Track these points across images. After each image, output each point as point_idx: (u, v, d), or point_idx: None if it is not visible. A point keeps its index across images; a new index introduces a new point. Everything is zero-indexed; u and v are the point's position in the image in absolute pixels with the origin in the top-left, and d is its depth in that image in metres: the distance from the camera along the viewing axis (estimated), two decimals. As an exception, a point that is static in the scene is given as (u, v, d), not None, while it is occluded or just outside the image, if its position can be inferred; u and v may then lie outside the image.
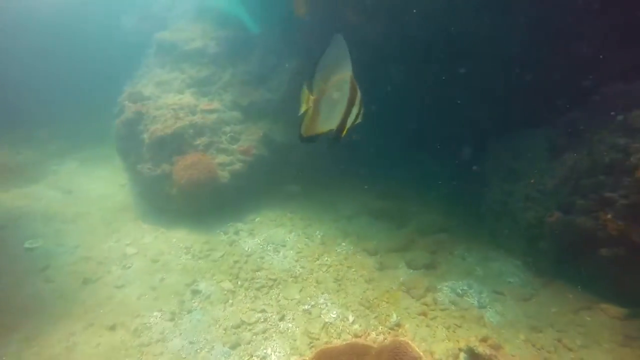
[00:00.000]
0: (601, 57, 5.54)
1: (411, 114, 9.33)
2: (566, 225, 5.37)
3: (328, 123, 2.65)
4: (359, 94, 2.65)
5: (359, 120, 2.73)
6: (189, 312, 5.49)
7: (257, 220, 7.84)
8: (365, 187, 9.97)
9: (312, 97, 2.57)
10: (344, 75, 2.57)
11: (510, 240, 6.82)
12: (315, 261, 6.44)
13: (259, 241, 7.05)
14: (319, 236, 7.36)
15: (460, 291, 5.82)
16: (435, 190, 9.81)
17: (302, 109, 2.60)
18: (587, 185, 5.23)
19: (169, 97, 7.88)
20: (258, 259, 6.53)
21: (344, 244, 7.26)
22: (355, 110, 2.66)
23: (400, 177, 10.19)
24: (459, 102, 7.66)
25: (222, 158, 7.72)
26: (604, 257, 4.91)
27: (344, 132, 2.68)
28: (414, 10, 6.56)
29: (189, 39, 8.88)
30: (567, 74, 6.04)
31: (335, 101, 2.61)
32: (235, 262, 6.46)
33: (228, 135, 8.05)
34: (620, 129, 4.92)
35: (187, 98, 8.15)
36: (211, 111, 8.13)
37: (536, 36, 6.05)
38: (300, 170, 9.40)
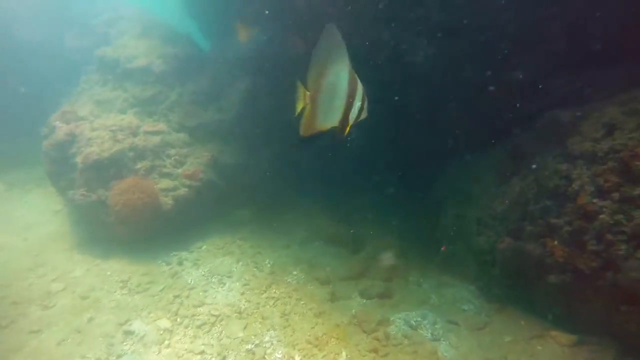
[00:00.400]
0: (540, 85, 5.65)
1: (365, 138, 9.23)
2: (516, 251, 5.30)
3: (328, 119, 2.43)
4: (359, 85, 2.41)
5: (364, 116, 2.50)
6: (118, 357, 4.89)
7: (203, 248, 7.33)
8: (320, 211, 9.72)
9: (308, 93, 2.35)
10: (341, 66, 2.33)
11: (464, 266, 6.72)
12: (262, 294, 6.01)
13: (203, 272, 6.54)
14: (268, 265, 6.95)
15: (414, 322, 5.58)
16: (392, 214, 9.70)
17: (299, 108, 2.39)
18: (534, 211, 5.20)
19: (109, 118, 7.32)
20: (201, 293, 6.02)
21: (295, 272, 6.90)
22: (357, 104, 2.43)
23: (357, 201, 10.02)
24: (410, 126, 7.63)
25: (165, 183, 7.20)
26: (552, 284, 4.85)
27: (348, 129, 2.46)
28: (367, 43, 6.49)
29: (133, 56, 8.39)
30: (511, 98, 6.12)
31: (333, 95, 2.38)
32: (176, 296, 5.91)
33: (173, 158, 7.56)
34: (562, 154, 4.94)
35: (130, 118, 7.61)
36: (155, 133, 7.63)
37: (481, 61, 6.12)
38: (253, 195, 9.01)
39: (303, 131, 2.44)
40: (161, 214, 6.98)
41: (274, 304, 5.79)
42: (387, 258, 7.90)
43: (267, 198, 9.55)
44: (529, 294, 5.50)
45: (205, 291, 6.05)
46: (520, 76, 5.70)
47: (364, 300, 6.17)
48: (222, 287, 6.16)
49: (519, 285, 5.64)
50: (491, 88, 5.92)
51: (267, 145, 9.47)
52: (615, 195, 4.10)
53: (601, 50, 5.21)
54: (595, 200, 4.30)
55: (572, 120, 5.04)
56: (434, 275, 7.09)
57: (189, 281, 6.30)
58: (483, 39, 5.71)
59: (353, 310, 5.82)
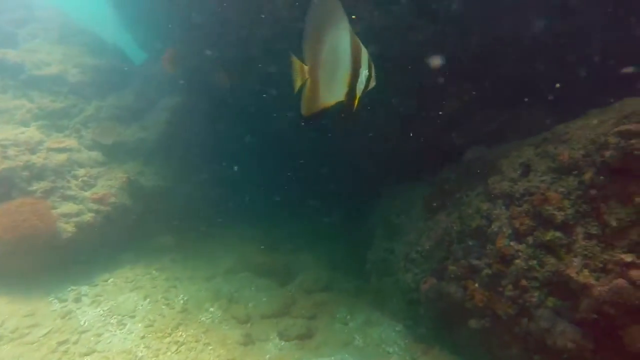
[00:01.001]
0: (466, 121, 5.58)
1: (298, 165, 8.90)
2: (438, 293, 5.05)
3: (333, 94, 2.07)
4: (363, 50, 2.04)
5: (372, 84, 2.13)
6: None
7: (109, 281, 6.50)
8: (252, 238, 9.16)
9: (306, 67, 1.98)
10: (340, 30, 1.93)
11: (392, 302, 6.41)
12: (166, 337, 5.31)
13: (102, 311, 5.73)
14: (181, 301, 6.26)
15: (333, 369, 5.14)
16: (326, 243, 9.34)
17: (297, 85, 2.02)
18: (457, 250, 5.00)
19: (3, 130, 6.40)
20: (93, 338, 5.21)
21: (212, 309, 6.26)
22: (364, 72, 2.06)
23: (291, 228, 9.58)
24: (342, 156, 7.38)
25: (68, 207, 6.36)
26: (473, 328, 4.61)
27: (357, 102, 2.10)
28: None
29: (43, 63, 7.54)
30: (438, 132, 6.02)
31: (335, 65, 2.01)
32: (61, 343, 5.07)
33: (80, 179, 6.75)
34: (483, 193, 4.81)
35: (31, 132, 6.73)
36: (61, 150, 6.79)
37: (409, 94, 6.00)
38: (178, 221, 8.30)
39: (305, 110, 2.08)
40: (59, 242, 6.11)
41: (177, 350, 5.12)
42: (316, 291, 7.47)
43: (194, 224, 8.87)
44: (454, 336, 5.25)
45: (99, 335, 5.25)
46: (447, 110, 5.60)
47: (282, 343, 5.65)
48: (120, 330, 5.39)
49: (444, 327, 5.38)
50: (418, 121, 5.78)
51: (196, 169, 8.86)
52: (530, 239, 3.96)
53: (522, 90, 5.23)
54: (512, 244, 4.14)
55: (492, 158, 4.95)
56: (363, 311, 6.73)
57: (82, 322, 5.47)
58: (411, 72, 5.57)
59: (267, 356, 5.28)
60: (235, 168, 8.77)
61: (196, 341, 5.28)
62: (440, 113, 5.55)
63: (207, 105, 8.75)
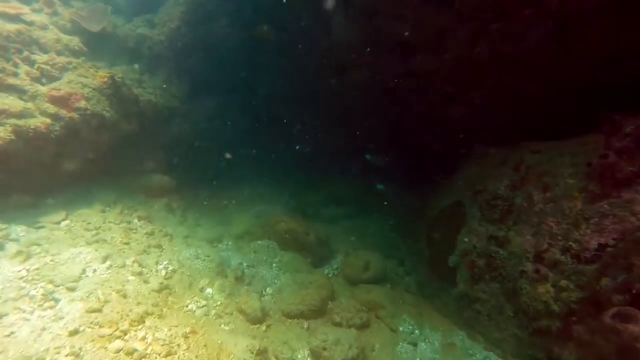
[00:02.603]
0: None
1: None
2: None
3: None
4: None
5: None
6: None
7: (62, 224, 4.11)
8: (276, 197, 6.70)
9: None
10: None
11: (496, 323, 3.83)
12: (113, 340, 2.87)
13: (25, 271, 3.34)
14: (163, 272, 3.83)
15: None
16: (375, 217, 6.77)
17: None
18: None
19: None
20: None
21: (209, 290, 3.89)
22: None
23: (331, 191, 7.01)
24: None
25: (6, 101, 3.93)
26: None
27: None
28: None
29: None
30: None
31: None
32: None
33: (37, 67, 4.28)
34: None
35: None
36: (13, 18, 4.33)
37: None
38: (184, 154, 5.88)
39: None
40: (-15, 152, 3.71)
41: (129, 369, 2.67)
42: (364, 282, 4.96)
43: (202, 163, 6.44)
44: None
45: (-1, 316, 2.86)
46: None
47: (318, 374, 3.17)
48: (41, 310, 2.99)
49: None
50: None
51: (215, 89, 6.33)
52: None
53: None
54: None
55: None
56: (439, 327, 4.20)
57: (-14, 290, 3.08)
58: None
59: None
60: (267, 94, 6.19)
61: (167, 355, 2.82)
62: None
63: (238, 3, 6.11)
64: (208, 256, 4.35)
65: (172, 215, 5.22)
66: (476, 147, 5.23)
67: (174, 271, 3.88)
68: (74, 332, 2.80)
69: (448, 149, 5.59)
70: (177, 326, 3.12)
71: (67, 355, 2.59)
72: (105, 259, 3.67)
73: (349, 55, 5.34)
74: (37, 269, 3.34)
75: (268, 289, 4.30)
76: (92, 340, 2.75)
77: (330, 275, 5.14)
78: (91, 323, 2.90)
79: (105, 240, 3.96)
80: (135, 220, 4.62)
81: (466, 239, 4.26)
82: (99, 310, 3.04)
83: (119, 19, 5.65)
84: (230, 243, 5.10)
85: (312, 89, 6.61)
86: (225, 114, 6.54)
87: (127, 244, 3.99)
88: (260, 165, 7.54)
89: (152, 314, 3.18)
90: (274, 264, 4.87)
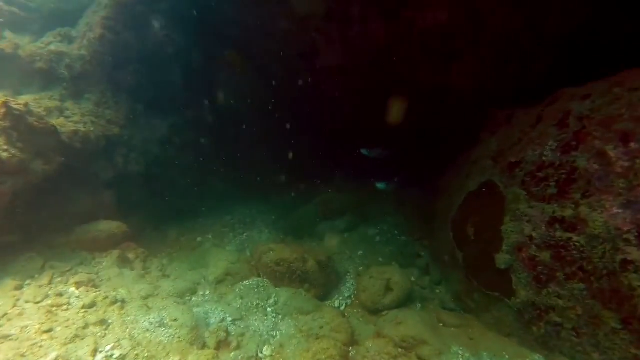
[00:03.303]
0: None
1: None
2: None
3: None
4: None
5: None
6: None
7: None
8: (259, 220, 5.52)
9: None
10: None
11: (596, 339, 2.68)
12: None
13: None
14: (102, 357, 2.58)
15: None
16: (384, 220, 5.62)
17: None
18: None
19: None
20: None
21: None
22: None
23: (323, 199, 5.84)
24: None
25: None
26: None
27: None
28: None
29: None
30: None
31: None
32: None
33: None
34: None
35: None
36: None
37: None
38: (128, 191, 4.67)
39: None
40: None
41: None
42: (388, 307, 3.79)
43: (164, 196, 5.23)
44: None
45: None
46: None
47: None
48: None
49: None
50: None
51: (162, 105, 5.17)
52: None
53: None
54: None
55: None
56: (505, 350, 3.04)
57: None
58: None
59: None
60: (228, 104, 5.05)
61: None
62: None
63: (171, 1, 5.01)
64: (176, 320, 3.11)
65: (129, 270, 3.96)
66: (493, 113, 4.17)
67: (123, 358, 2.62)
68: None
69: (457, 123, 4.52)
70: None
71: None
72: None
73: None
74: None
75: (265, 349, 3.07)
76: None
77: (343, 307, 3.95)
78: None
79: (9, 337, 2.68)
80: (72, 289, 3.35)
81: (515, 229, 3.13)
82: None
83: (23, 38, 4.46)
84: (208, 292, 3.87)
85: (278, 90, 5.50)
86: (182, 134, 5.35)
87: (49, 331, 2.72)
88: (235, 187, 6.35)
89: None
90: (268, 309, 3.65)
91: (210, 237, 5.42)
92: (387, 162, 5.22)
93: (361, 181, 6.33)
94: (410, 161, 5.46)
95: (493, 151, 3.85)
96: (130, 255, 4.14)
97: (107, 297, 3.21)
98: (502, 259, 3.19)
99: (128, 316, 3.09)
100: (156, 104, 5.09)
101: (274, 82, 5.21)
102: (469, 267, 3.64)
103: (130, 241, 4.36)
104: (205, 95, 5.64)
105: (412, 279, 4.37)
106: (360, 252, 5.00)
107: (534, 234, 2.96)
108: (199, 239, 5.33)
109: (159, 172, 5.15)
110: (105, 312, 3.06)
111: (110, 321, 2.96)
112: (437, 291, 4.25)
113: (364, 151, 5.06)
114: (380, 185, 4.94)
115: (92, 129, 4.19)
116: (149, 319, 3.08)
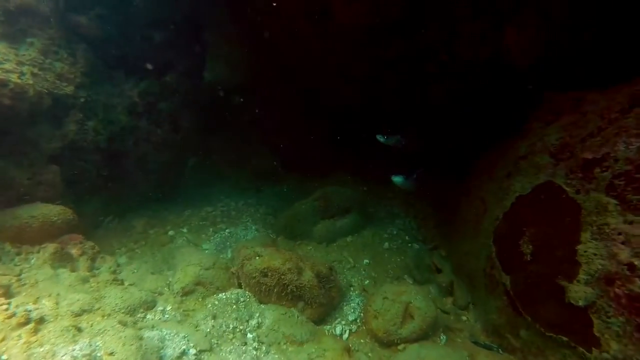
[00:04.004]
0: None
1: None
2: None
3: None
4: None
5: None
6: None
7: None
8: (244, 212, 4.55)
9: None
10: None
11: None
12: None
13: None
14: None
15: None
16: (392, 221, 4.70)
17: None
18: None
19: None
20: None
21: None
22: None
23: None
24: None
25: None
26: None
27: None
28: None
29: None
30: None
31: None
32: None
33: None
34: None
35: None
36: None
37: None
38: (81, 167, 3.63)
39: None
40: None
41: None
42: (406, 339, 2.86)
43: (132, 177, 4.21)
44: None
45: None
46: None
47: None
48: None
49: None
50: None
51: (135, 64, 4.14)
52: None
53: None
54: None
55: None
56: None
57: None
58: None
59: None
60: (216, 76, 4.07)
61: None
62: None
63: None
64: (113, 354, 2.12)
65: (67, 271, 2.95)
66: (552, 96, 3.23)
67: None
68: None
69: (497, 108, 3.58)
70: None
71: None
72: None
73: None
74: None
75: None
76: None
77: (347, 336, 3.00)
78: None
79: None
80: (-24, 298, 2.34)
81: (600, 251, 2.20)
82: None
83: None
84: (169, 307, 2.88)
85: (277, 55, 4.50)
86: (157, 103, 4.31)
87: None
88: (220, 172, 5.36)
89: None
90: (249, 335, 2.69)
91: (185, 230, 4.43)
92: (406, 152, 4.27)
93: (369, 173, 5.39)
94: (433, 152, 4.52)
95: (552, 145, 2.92)
96: (74, 251, 3.13)
97: (14, 315, 2.20)
98: (579, 292, 2.26)
99: (41, 345, 2.09)
100: (127, 63, 4.05)
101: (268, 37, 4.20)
102: (520, 295, 2.71)
103: (78, 232, 3.34)
104: (190, 57, 4.62)
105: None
106: (365, 261, 4.07)
107: (636, 263, 2.03)
108: (170, 232, 4.34)
109: (126, 148, 4.12)
110: (3, 338, 2.05)
111: (4, 358, 1.95)
112: (464, 318, 3.33)
113: (379, 137, 4.09)
114: (398, 180, 3.97)
115: (31, 82, 3.15)
116: (73, 351, 2.08)
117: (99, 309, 2.54)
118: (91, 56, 3.72)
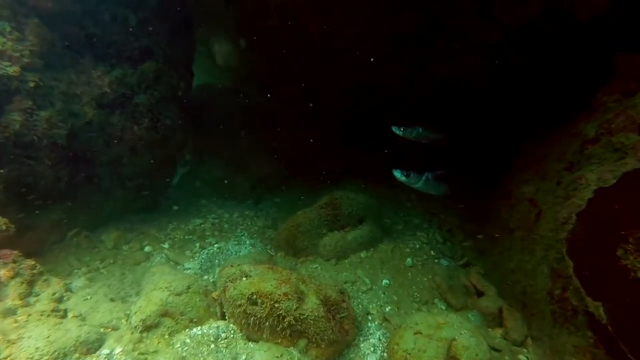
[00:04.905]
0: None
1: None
2: None
3: None
4: None
5: None
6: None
7: None
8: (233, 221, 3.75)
9: None
10: None
11: None
12: None
13: None
14: None
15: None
16: (414, 234, 3.87)
17: None
18: None
19: None
20: None
21: None
22: None
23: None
24: None
25: None
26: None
27: None
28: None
29: None
30: None
31: None
32: None
33: None
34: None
35: None
36: None
37: None
38: (30, 166, 2.84)
39: None
40: None
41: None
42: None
43: (99, 182, 3.45)
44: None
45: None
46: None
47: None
48: None
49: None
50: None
51: (106, 48, 3.44)
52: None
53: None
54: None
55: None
56: None
57: None
58: None
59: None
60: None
61: None
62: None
63: None
64: None
65: (-11, 300, 2.15)
66: (625, 60, 2.44)
67: None
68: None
69: (550, 82, 2.79)
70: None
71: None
72: None
73: None
74: None
75: None
76: None
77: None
78: None
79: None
80: None
81: None
82: None
83: None
84: (118, 349, 2.05)
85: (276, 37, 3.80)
86: (133, 95, 3.59)
87: None
88: (211, 178, 4.60)
89: None
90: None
91: (165, 246, 3.64)
92: (432, 147, 3.46)
93: (383, 175, 4.57)
94: (459, 149, 3.72)
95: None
96: (2, 273, 2.33)
97: None
98: None
99: None
100: (94, 47, 3.36)
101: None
102: (623, 332, 1.83)
103: (19, 248, 2.55)
104: (176, 45, 3.94)
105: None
106: (385, 281, 3.23)
107: None
108: (147, 248, 3.54)
109: (95, 148, 3.38)
110: None
111: None
112: (523, 359, 2.44)
113: (395, 129, 3.29)
114: (398, 175, 3.06)
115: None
116: None
117: (6, 358, 1.72)
118: (46, 34, 3.03)
